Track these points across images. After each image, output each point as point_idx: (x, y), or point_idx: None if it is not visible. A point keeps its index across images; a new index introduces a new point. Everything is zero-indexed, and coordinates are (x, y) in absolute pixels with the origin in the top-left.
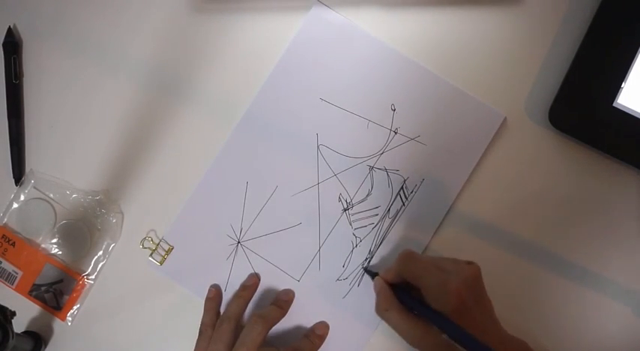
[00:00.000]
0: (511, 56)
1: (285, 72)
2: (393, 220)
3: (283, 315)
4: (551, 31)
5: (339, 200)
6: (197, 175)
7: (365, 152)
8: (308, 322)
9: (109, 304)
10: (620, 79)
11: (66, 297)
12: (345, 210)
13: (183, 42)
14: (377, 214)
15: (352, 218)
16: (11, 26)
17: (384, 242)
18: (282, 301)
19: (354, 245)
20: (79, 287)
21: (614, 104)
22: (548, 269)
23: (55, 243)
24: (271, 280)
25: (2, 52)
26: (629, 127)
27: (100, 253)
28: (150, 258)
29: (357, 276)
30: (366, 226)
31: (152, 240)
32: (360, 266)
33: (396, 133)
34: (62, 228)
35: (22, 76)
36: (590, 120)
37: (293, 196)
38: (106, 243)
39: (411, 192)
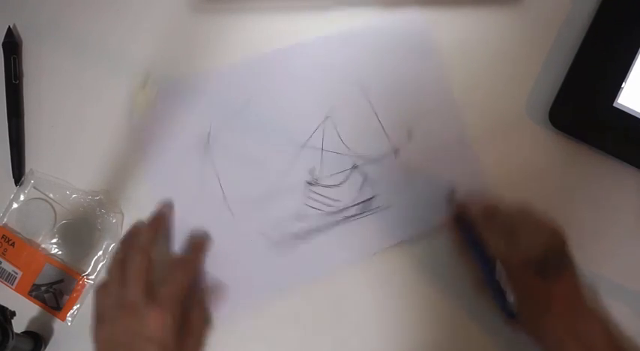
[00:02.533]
0: (511, 56)
1: (336, 42)
2: (339, 222)
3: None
4: (551, 31)
5: (310, 172)
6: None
7: (359, 151)
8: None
9: None
10: (620, 79)
11: (66, 297)
12: (308, 183)
13: (183, 42)
14: (331, 206)
15: (309, 194)
16: (11, 26)
17: (319, 234)
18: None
19: (295, 217)
20: (78, 287)
21: (615, 104)
22: None
23: (55, 243)
24: (209, 192)
25: (2, 52)
26: (629, 127)
27: (100, 253)
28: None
29: (279, 243)
30: (314, 209)
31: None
32: (287, 237)
33: (396, 153)
34: (62, 228)
35: (22, 76)
36: (591, 120)
37: (279, 137)
38: (106, 243)
39: (372, 210)
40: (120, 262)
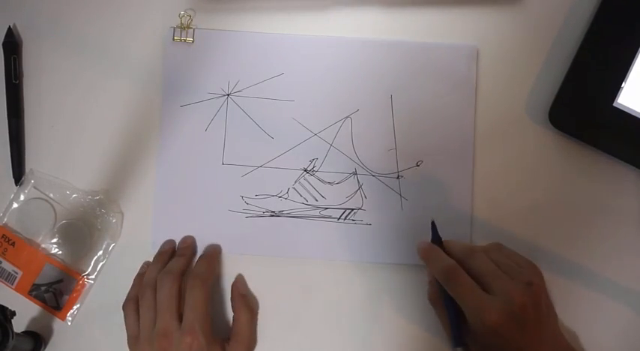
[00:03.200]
0: (511, 56)
1: (384, 50)
2: (318, 218)
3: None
4: (551, 31)
5: (311, 160)
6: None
7: (365, 160)
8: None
9: (109, 304)
10: (620, 79)
11: (66, 297)
12: (304, 170)
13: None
14: (317, 201)
15: (300, 181)
16: (11, 26)
17: (297, 220)
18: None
19: (279, 195)
20: (78, 287)
21: (615, 104)
22: (548, 269)
23: (55, 243)
24: (212, 141)
25: (2, 52)
26: (629, 127)
27: (100, 253)
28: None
29: (255, 213)
30: (300, 196)
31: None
32: (264, 210)
33: (399, 177)
34: (62, 228)
35: (22, 76)
36: (591, 120)
37: (296, 118)
38: (105, 243)
39: (353, 219)
40: (152, 287)
